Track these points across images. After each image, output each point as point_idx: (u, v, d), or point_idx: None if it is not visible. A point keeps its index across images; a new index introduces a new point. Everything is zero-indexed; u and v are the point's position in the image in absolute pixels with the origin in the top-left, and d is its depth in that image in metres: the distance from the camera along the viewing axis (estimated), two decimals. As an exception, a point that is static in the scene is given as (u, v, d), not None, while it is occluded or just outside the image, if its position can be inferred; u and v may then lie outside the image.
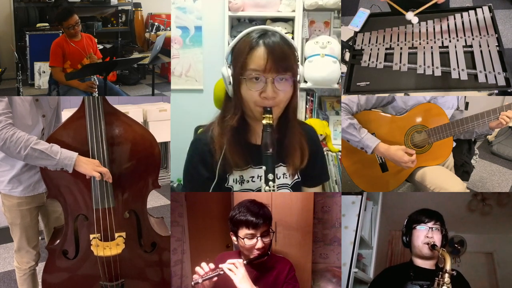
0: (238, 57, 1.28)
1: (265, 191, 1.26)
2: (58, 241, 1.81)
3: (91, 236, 1.75)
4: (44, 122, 1.89)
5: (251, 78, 1.25)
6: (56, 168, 1.64)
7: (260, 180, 1.39)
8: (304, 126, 1.50)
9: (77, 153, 1.64)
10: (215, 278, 1.32)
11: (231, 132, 1.35)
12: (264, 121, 1.26)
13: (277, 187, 1.32)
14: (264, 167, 1.26)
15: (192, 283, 1.31)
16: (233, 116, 1.33)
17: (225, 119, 1.36)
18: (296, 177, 1.47)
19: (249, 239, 1.40)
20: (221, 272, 1.31)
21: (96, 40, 3.29)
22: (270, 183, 1.25)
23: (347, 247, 2.04)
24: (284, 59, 1.25)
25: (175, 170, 3.33)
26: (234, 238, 1.47)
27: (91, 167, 1.64)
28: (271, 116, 1.26)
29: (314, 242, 2.15)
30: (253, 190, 1.44)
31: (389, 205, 2.39)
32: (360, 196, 2.13)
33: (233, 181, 1.42)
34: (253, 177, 1.42)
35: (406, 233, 1.68)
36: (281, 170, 1.44)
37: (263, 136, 1.26)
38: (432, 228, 1.60)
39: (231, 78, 1.30)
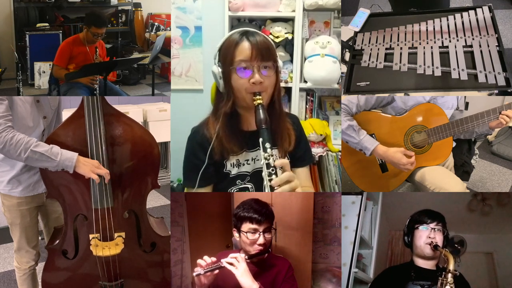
0: (226, 53, 1.45)
1: (265, 158, 1.36)
2: (58, 241, 1.81)
3: (91, 236, 1.75)
4: (45, 124, 1.89)
5: (239, 69, 1.42)
6: (57, 169, 1.64)
7: (255, 163, 1.55)
8: (289, 115, 1.68)
9: (77, 154, 1.64)
10: (216, 271, 1.34)
11: (225, 120, 1.48)
12: (255, 102, 1.41)
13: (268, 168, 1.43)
14: (261, 139, 1.38)
15: (194, 274, 1.34)
16: (226, 102, 1.47)
17: (218, 107, 1.50)
18: (286, 158, 1.58)
19: (252, 234, 1.45)
20: (223, 265, 1.34)
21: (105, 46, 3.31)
22: (268, 150, 1.36)
23: (347, 247, 2.04)
24: (266, 49, 1.43)
25: (175, 170, 3.33)
26: (236, 234, 1.50)
27: (89, 169, 1.64)
28: (260, 97, 1.41)
29: (314, 242, 2.15)
30: (249, 172, 1.56)
31: (389, 205, 2.39)
32: (360, 196, 2.13)
33: (231, 166, 1.55)
34: (248, 160, 1.55)
35: (408, 233, 1.68)
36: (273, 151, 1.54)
37: (257, 114, 1.40)
38: (434, 229, 1.61)
39: (221, 73, 1.46)
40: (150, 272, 1.90)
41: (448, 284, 1.46)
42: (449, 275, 1.47)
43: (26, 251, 1.96)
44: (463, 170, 2.28)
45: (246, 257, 1.39)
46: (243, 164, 1.55)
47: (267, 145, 1.36)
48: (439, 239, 1.60)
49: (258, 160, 1.55)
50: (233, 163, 1.54)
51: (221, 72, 1.46)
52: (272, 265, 1.51)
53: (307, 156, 1.70)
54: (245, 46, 1.42)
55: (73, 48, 3.04)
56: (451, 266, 1.48)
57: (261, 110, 1.39)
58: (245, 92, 1.43)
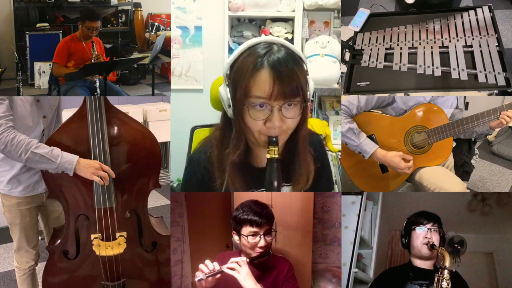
0: (240, 79, 1.10)
1: None
2: (59, 241, 1.81)
3: (92, 236, 1.75)
4: (45, 123, 1.89)
5: (254, 106, 1.09)
6: (57, 171, 1.64)
7: None
8: (312, 138, 1.34)
9: (77, 156, 1.64)
10: (218, 275, 1.32)
11: (232, 162, 1.21)
12: (268, 155, 1.11)
13: None
14: None
15: (196, 279, 1.31)
16: (235, 150, 1.18)
17: (226, 152, 1.21)
18: None
19: (252, 237, 1.42)
20: (225, 270, 1.31)
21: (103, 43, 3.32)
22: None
23: (347, 247, 2.04)
24: (292, 82, 1.07)
25: (175, 170, 3.32)
26: (236, 237, 1.47)
27: (90, 171, 1.64)
28: (276, 149, 1.11)
29: (314, 242, 2.15)
30: None
31: (389, 205, 2.39)
32: (360, 196, 2.13)
33: None
34: None
35: (405, 234, 1.70)
36: (284, 190, 1.34)
37: (267, 172, 1.12)
38: (431, 229, 1.63)
39: (230, 101, 1.14)
40: (151, 272, 1.90)
41: (444, 279, 1.49)
42: (445, 271, 1.50)
43: (26, 251, 1.96)
44: (463, 170, 2.29)
45: (247, 260, 1.36)
46: None
47: None
48: (435, 239, 1.62)
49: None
50: None
51: (230, 100, 1.13)
52: (272, 266, 1.50)
53: (328, 187, 1.48)
54: (264, 77, 1.06)
55: (71, 45, 3.05)
56: (447, 263, 1.51)
57: (274, 168, 1.10)
58: (259, 133, 1.12)
